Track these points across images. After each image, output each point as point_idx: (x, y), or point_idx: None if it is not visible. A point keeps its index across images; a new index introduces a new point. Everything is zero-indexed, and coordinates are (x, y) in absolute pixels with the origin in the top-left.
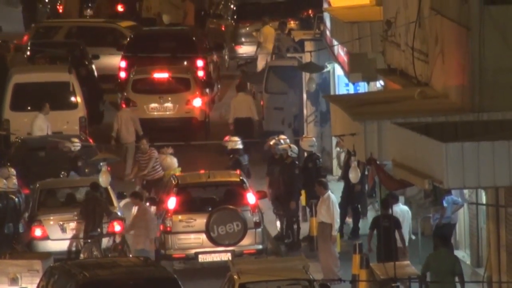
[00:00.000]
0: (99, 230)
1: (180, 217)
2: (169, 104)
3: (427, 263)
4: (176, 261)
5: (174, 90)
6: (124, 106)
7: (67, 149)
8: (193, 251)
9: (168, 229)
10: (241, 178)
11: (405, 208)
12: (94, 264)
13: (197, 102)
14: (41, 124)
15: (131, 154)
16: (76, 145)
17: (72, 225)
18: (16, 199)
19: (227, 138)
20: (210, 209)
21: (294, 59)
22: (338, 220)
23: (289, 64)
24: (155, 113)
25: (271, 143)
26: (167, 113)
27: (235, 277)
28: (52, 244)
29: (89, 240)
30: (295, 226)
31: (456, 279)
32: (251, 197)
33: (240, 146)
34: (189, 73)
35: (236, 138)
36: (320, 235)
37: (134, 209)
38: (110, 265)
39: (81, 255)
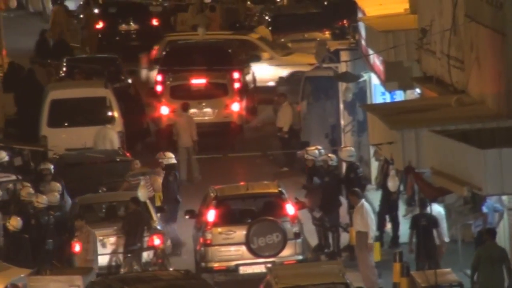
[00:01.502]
0: (139, 244)
1: (219, 229)
2: (208, 109)
3: (477, 256)
4: (217, 273)
5: (212, 96)
6: (182, 110)
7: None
8: (233, 263)
9: (208, 241)
10: (279, 189)
11: (440, 208)
12: (135, 278)
13: (235, 107)
14: (112, 137)
15: (194, 159)
16: None
17: (112, 239)
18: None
19: (161, 154)
20: (249, 221)
21: (330, 69)
22: (374, 228)
23: (325, 74)
24: (194, 118)
25: (303, 152)
26: (206, 118)
27: (273, 282)
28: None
29: (129, 255)
30: (335, 236)
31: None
32: (290, 208)
33: (174, 161)
34: (226, 79)
35: (170, 154)
36: (357, 244)
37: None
38: (150, 279)
39: (122, 270)
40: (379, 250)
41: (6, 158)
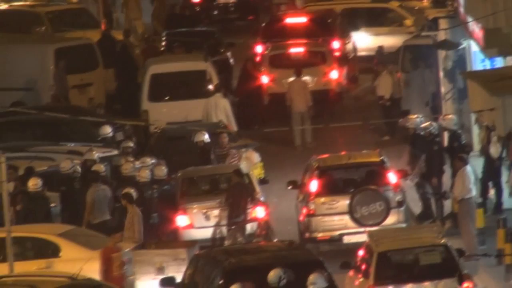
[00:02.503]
0: (242, 216)
1: (322, 199)
2: (306, 78)
3: None
4: (320, 243)
5: (310, 64)
6: (295, 74)
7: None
8: (337, 232)
9: (312, 212)
10: (381, 158)
11: None
12: (239, 250)
13: (334, 75)
14: (225, 105)
15: (307, 122)
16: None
17: (216, 212)
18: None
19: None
20: (352, 190)
21: (429, 37)
22: (473, 190)
23: (424, 43)
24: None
25: (404, 120)
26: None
27: (374, 245)
28: (196, 232)
29: (233, 227)
30: (438, 204)
31: None
32: (392, 177)
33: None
34: (324, 47)
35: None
36: (460, 212)
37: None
38: (255, 251)
39: (226, 242)
40: (482, 216)
41: (111, 134)
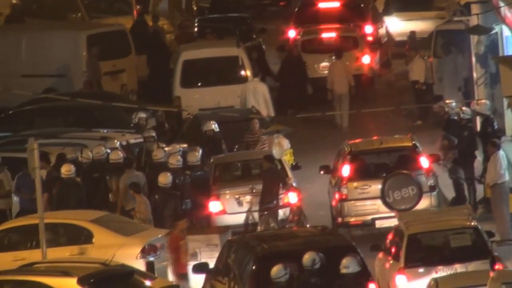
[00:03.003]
0: (275, 201)
1: (355, 184)
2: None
3: None
4: (353, 228)
5: (342, 49)
6: (335, 57)
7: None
8: (369, 217)
9: (344, 196)
10: (413, 142)
11: None
12: (272, 235)
13: (366, 59)
14: (263, 90)
15: (346, 106)
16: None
17: (248, 198)
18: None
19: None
20: (384, 175)
21: (461, 22)
22: (506, 175)
23: (456, 28)
24: (326, 71)
25: (439, 106)
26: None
27: (404, 228)
28: (229, 218)
29: (265, 212)
30: (471, 189)
31: None
32: (424, 161)
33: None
34: (356, 32)
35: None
36: (492, 197)
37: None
38: (288, 236)
39: (258, 228)
40: None
41: (145, 120)
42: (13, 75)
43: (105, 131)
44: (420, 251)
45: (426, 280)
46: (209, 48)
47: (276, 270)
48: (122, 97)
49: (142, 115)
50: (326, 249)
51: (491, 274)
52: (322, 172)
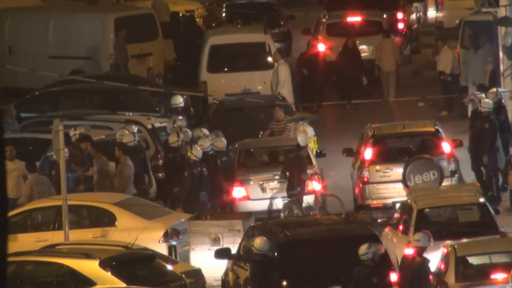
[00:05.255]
0: (299, 188)
1: (377, 167)
2: (363, 47)
3: None
4: (374, 211)
5: (367, 33)
6: (384, 36)
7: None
8: (390, 200)
9: (365, 179)
10: (436, 127)
11: None
12: (294, 222)
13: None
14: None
15: (392, 83)
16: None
17: (272, 184)
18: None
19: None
20: (406, 158)
21: (489, 13)
22: None
23: (484, 19)
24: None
25: (470, 97)
26: (362, 55)
27: (413, 203)
28: (252, 204)
29: (289, 199)
30: (494, 180)
31: None
32: (446, 146)
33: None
34: (381, 16)
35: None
36: None
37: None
38: (310, 223)
39: (282, 214)
40: None
41: (182, 104)
42: (40, 56)
43: (130, 114)
44: (429, 226)
45: (434, 254)
46: (237, 33)
47: (260, 242)
48: (149, 81)
49: (179, 99)
50: (348, 238)
51: None
52: (344, 155)
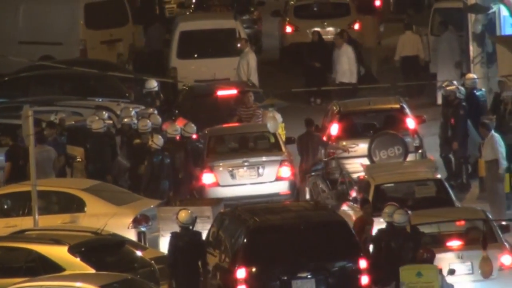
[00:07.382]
0: (322, 163)
1: (343, 143)
2: (330, 29)
3: None
4: (340, 185)
5: (334, 15)
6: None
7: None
8: (356, 175)
9: (332, 154)
10: (401, 104)
11: None
12: (264, 209)
13: (357, 27)
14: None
15: (374, 60)
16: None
17: (241, 171)
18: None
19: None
20: (371, 134)
21: (459, 0)
22: (504, 161)
23: (454, 6)
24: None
25: (444, 85)
26: (329, 37)
27: (371, 179)
28: (222, 190)
29: (313, 173)
30: (464, 167)
31: None
32: (410, 122)
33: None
34: None
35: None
36: (487, 175)
37: None
38: (280, 210)
39: (306, 188)
40: (508, 181)
41: (156, 88)
42: (10, 42)
43: (100, 100)
44: (386, 201)
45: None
46: (207, 20)
47: (184, 215)
48: (118, 67)
49: (154, 83)
50: (317, 224)
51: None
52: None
